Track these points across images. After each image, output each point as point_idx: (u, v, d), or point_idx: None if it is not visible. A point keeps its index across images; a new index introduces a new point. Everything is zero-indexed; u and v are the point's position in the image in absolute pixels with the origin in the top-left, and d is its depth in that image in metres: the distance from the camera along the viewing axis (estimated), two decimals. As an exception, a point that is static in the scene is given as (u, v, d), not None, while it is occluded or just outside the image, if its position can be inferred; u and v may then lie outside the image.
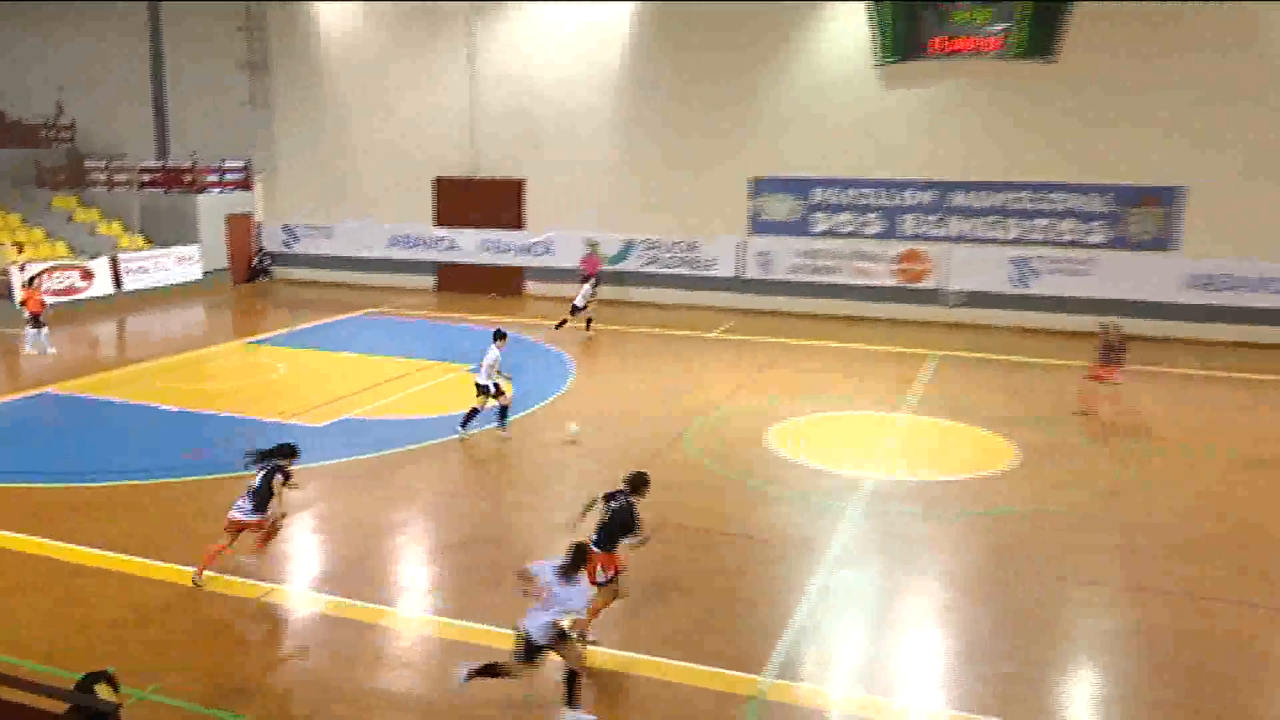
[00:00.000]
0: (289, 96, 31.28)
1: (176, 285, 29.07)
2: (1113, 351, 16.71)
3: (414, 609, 10.11)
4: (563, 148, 28.15)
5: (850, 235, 26.09)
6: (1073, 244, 24.40)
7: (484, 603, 9.93)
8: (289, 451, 10.33)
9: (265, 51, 31.14)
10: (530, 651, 7.86)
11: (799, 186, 26.29)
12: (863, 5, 24.85)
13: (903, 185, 25.49)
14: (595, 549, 8.83)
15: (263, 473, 10.12)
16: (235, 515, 10.17)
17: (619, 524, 9.11)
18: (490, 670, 8.03)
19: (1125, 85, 23.36)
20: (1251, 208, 23.02)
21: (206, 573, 10.24)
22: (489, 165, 29.13)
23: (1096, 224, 24.18)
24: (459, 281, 29.83)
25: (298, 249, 31.77)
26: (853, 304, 26.06)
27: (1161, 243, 23.74)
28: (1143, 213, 23.77)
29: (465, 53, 28.71)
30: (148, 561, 10.73)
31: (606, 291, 26.40)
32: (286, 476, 10.20)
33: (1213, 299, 23.45)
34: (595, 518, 9.30)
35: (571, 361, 20.54)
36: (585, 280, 24.48)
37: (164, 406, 16.97)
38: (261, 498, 10.11)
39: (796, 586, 10.49)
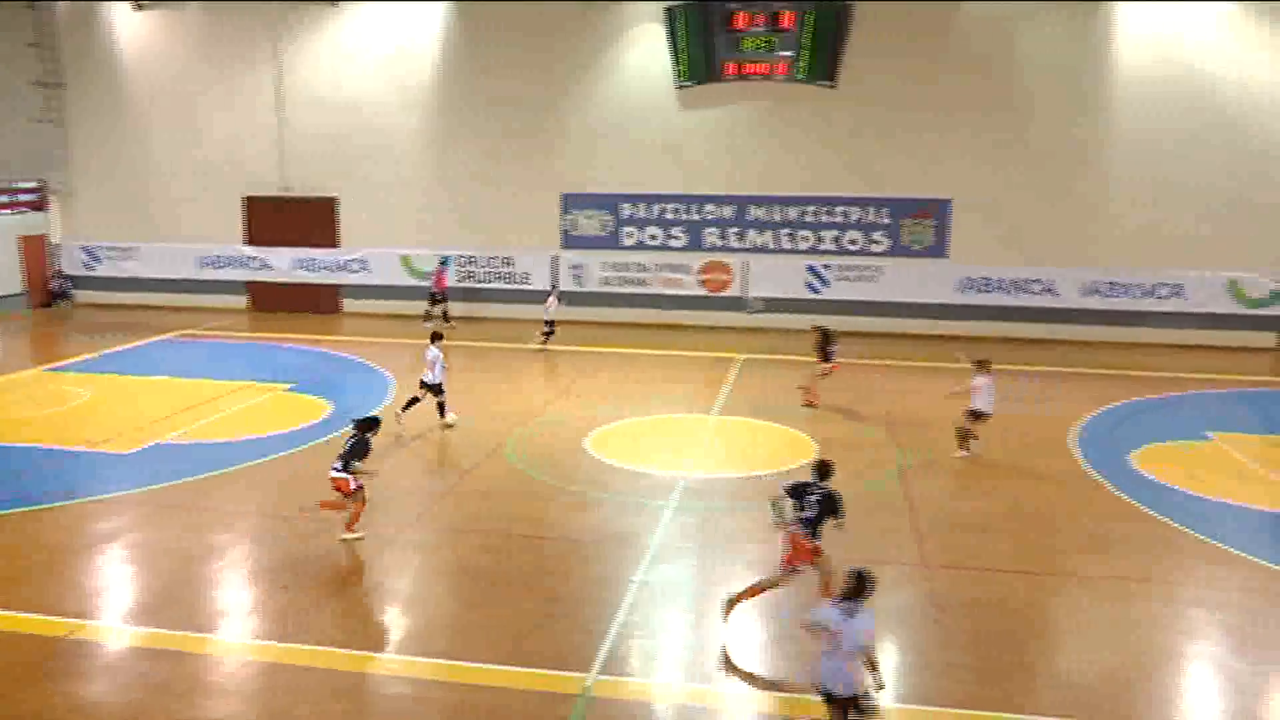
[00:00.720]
0: (87, 113, 30.05)
1: (-36, 312, 27.58)
2: (825, 348, 18.77)
3: (234, 635, 9.91)
4: (376, 166, 28.26)
5: (658, 248, 27.33)
6: (859, 252, 26.41)
7: (307, 624, 10.01)
8: (373, 423, 12.46)
9: (59, 67, 29.86)
10: (840, 708, 7.36)
11: (608, 202, 27.34)
12: (662, 31, 26.11)
13: (705, 200, 26.90)
14: (807, 539, 9.66)
15: (352, 440, 12.11)
16: (332, 474, 12.08)
17: (825, 510, 9.70)
18: None
19: (898, 106, 25.50)
20: (1009, 216, 25.56)
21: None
22: (301, 184, 28.88)
23: (879, 234, 26.29)
24: (273, 301, 29.43)
25: (100, 271, 30.56)
26: (663, 313, 27.23)
27: (935, 250, 26.05)
28: (917, 223, 26.04)
29: (273, 73, 28.42)
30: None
31: (422, 308, 26.85)
32: (367, 449, 12.13)
33: (980, 300, 25.87)
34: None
35: (391, 377, 20.55)
36: (435, 298, 26.29)
37: (-47, 440, 16.04)
38: (346, 459, 12.00)
39: (618, 584, 10.82)
